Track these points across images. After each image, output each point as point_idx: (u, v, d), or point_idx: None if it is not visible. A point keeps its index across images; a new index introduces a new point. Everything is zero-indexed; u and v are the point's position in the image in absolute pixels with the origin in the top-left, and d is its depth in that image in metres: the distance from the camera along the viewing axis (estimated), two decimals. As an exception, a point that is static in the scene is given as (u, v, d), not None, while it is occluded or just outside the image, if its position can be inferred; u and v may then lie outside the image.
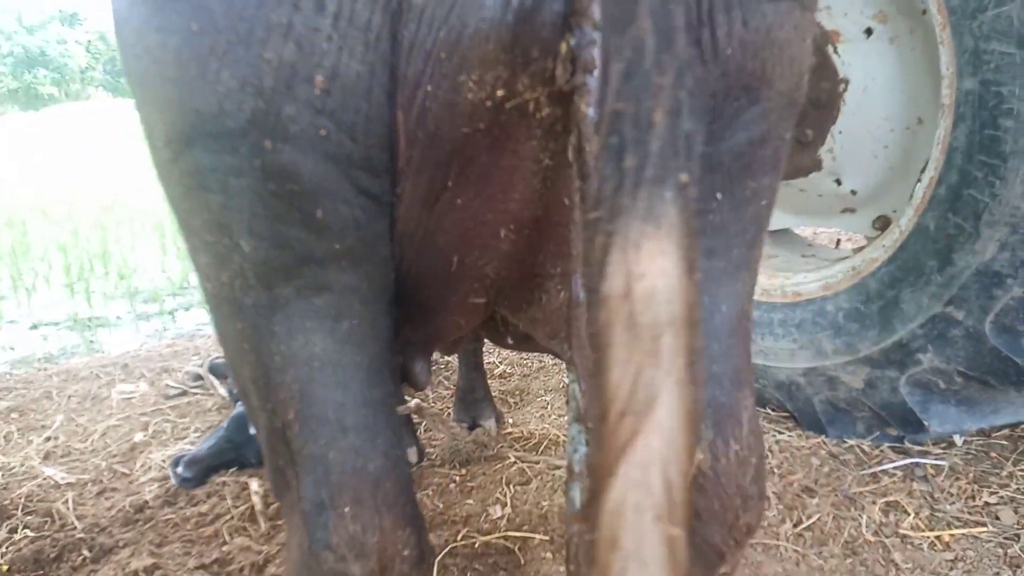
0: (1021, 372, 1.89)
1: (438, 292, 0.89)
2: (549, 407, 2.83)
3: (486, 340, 1.38)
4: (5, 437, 2.68)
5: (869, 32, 2.23)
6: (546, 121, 0.69)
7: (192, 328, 5.09)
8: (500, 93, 0.66)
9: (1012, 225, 1.75)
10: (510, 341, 1.06)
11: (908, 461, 2.18)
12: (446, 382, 3.17)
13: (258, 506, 2.09)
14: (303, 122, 0.66)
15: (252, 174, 0.69)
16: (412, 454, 2.34)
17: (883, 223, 2.42)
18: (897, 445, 2.28)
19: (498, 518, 2.02)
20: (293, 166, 0.69)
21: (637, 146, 0.57)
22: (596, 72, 0.60)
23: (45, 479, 2.33)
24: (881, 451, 2.27)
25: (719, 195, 0.76)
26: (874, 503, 2.01)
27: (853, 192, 2.45)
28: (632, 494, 0.54)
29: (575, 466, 0.76)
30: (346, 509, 0.77)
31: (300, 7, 0.62)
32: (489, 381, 2.79)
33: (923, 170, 2.18)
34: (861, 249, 2.33)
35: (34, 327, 5.15)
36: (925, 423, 2.14)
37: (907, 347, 2.06)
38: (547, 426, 2.60)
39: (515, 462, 2.33)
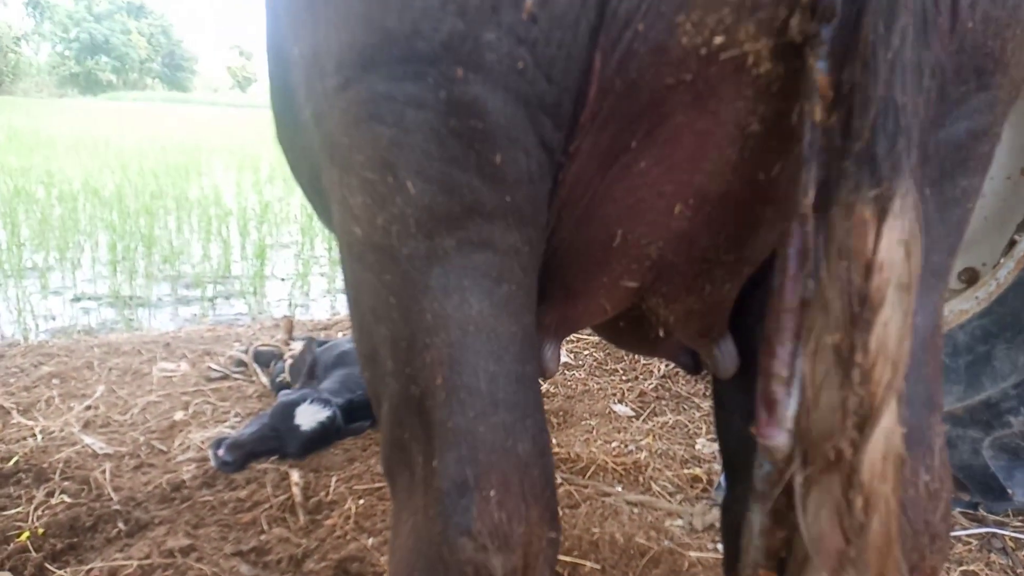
0: (1125, 446, 1.75)
1: (589, 270, 0.81)
2: (594, 432, 2.73)
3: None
4: (47, 402, 2.65)
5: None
6: (762, 80, 0.62)
7: (231, 316, 5.09)
8: (718, 40, 0.60)
9: None
10: (649, 344, 0.98)
11: (985, 530, 2.05)
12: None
13: (298, 498, 2.02)
14: (501, 51, 0.60)
15: (434, 107, 0.63)
16: None
17: (970, 275, 2.31)
18: (970, 512, 2.14)
19: (546, 539, 1.92)
20: (481, 101, 0.62)
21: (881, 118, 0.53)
22: (835, 22, 0.54)
23: (84, 447, 2.28)
24: (953, 516, 2.14)
25: (927, 191, 0.68)
26: (948, 572, 1.88)
27: (941, 240, 2.34)
28: (891, 421, 0.55)
29: (759, 485, 0.68)
30: (492, 492, 0.69)
31: None
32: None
33: (1023, 224, 2.07)
34: (946, 301, 2.22)
35: (76, 299, 5.19)
36: (1009, 491, 2.00)
37: (996, 407, 1.93)
38: (593, 450, 2.50)
39: (562, 483, 2.23)
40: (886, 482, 0.55)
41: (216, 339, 3.76)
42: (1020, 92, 0.70)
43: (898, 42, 0.53)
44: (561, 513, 2.04)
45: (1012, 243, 2.21)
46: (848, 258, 0.56)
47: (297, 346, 3.09)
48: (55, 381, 2.88)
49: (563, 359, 3.53)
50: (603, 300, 0.85)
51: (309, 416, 2.26)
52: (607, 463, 2.40)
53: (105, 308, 5.03)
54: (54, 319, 4.57)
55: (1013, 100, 0.70)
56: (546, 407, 3.01)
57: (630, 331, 0.99)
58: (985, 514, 2.10)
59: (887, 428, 0.55)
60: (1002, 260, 2.00)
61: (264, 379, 2.95)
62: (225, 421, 2.58)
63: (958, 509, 2.15)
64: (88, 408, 2.61)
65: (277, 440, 2.23)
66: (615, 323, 0.96)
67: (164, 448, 2.35)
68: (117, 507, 1.93)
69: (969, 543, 2.01)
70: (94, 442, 2.32)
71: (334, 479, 2.15)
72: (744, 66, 0.61)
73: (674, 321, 0.87)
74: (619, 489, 2.24)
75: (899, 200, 0.54)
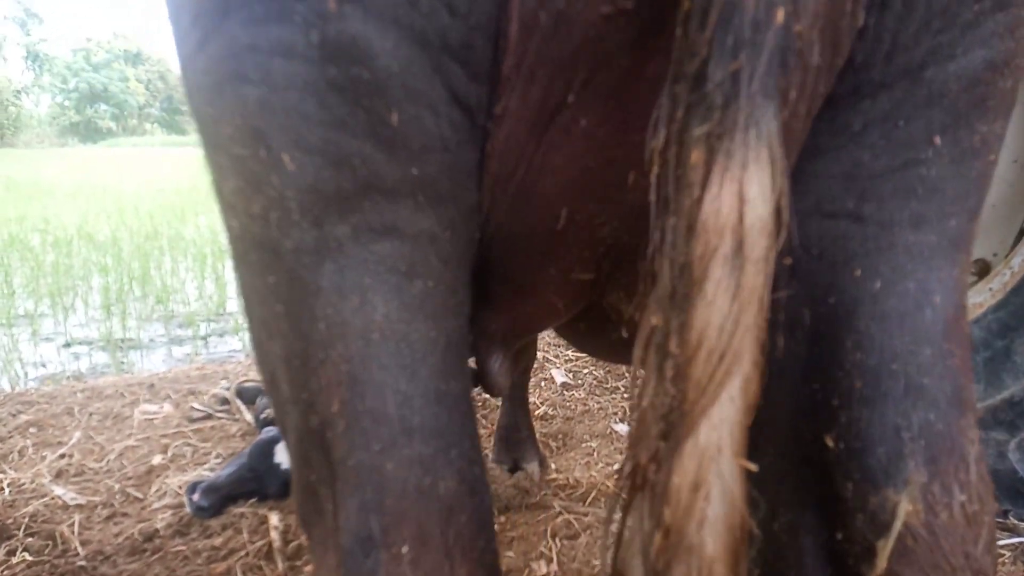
0: None
1: (534, 260, 0.67)
2: (595, 454, 2.59)
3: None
4: (19, 452, 2.53)
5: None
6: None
7: (224, 354, 4.97)
8: None
9: None
10: (613, 349, 0.84)
11: (1018, 540, 1.89)
12: (483, 420, 2.95)
13: (276, 543, 1.89)
14: None
15: (306, 53, 0.50)
16: (534, 469, 2.10)
17: (981, 267, 2.18)
18: (1001, 520, 1.99)
19: (543, 575, 1.78)
20: (365, 42, 0.50)
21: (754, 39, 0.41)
22: None
23: (53, 499, 2.16)
24: (979, 526, 1.99)
25: (938, 139, 0.55)
26: (981, 586, 1.73)
27: (947, 232, 2.22)
28: (716, 436, 0.43)
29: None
30: (404, 548, 0.54)
31: None
32: (531, 422, 2.57)
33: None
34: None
35: (67, 345, 5.09)
36: (1038, 496, 1.86)
37: (1020, 405, 1.79)
38: (594, 475, 2.36)
39: (560, 512, 2.09)
40: (695, 521, 0.42)
41: (203, 378, 3.64)
42: None
43: None
44: (558, 544, 1.91)
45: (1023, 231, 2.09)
46: (676, 215, 0.44)
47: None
48: (32, 430, 2.76)
49: (562, 379, 3.40)
50: (554, 298, 0.72)
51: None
52: (608, 487, 2.26)
53: (97, 352, 4.93)
54: (44, 366, 4.47)
55: None
56: (545, 430, 2.87)
57: (594, 335, 0.85)
58: (1016, 522, 1.95)
59: (704, 448, 0.42)
60: (1016, 248, 1.87)
61: (248, 416, 2.83)
62: (205, 463, 2.45)
63: (987, 518, 2.00)
64: (62, 456, 2.48)
65: (256, 481, 2.10)
66: (575, 326, 0.83)
67: (140, 495, 2.22)
68: (83, 563, 1.80)
69: (1002, 554, 1.85)
70: (65, 493, 2.20)
71: (316, 520, 2.02)
72: None
73: (639, 319, 0.75)
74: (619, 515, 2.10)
75: (737, 138, 0.41)
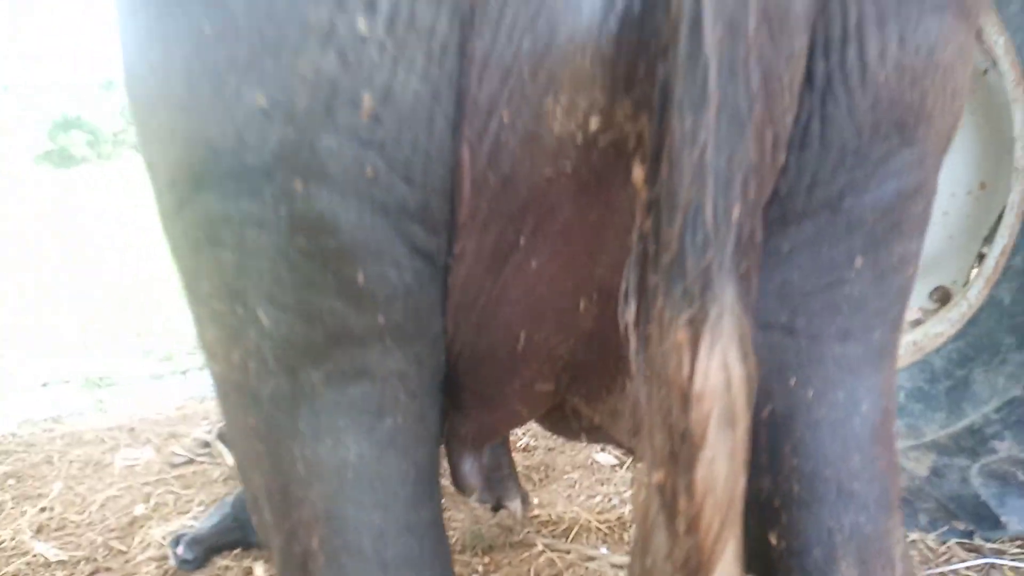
0: (1116, 465, 1.68)
1: (498, 377, 0.73)
2: (577, 486, 2.62)
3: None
4: (-1, 506, 2.52)
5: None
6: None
7: (204, 389, 4.96)
8: (594, 124, 0.53)
9: (1103, 301, 1.58)
10: (582, 435, 0.90)
11: (982, 561, 1.95)
12: (467, 455, 2.97)
13: (261, 595, 1.90)
14: (345, 158, 0.52)
15: (277, 225, 0.55)
16: (516, 507, 2.13)
17: (941, 295, 2.26)
18: (966, 542, 2.05)
19: (527, 617, 1.81)
20: (330, 216, 0.54)
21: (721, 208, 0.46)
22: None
23: (35, 556, 2.15)
24: (948, 547, 2.04)
25: (858, 262, 0.61)
26: (950, 610, 1.78)
27: (908, 262, 2.29)
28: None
29: None
30: None
31: (345, 5, 0.49)
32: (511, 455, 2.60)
33: (988, 238, 2.03)
34: (920, 323, 2.16)
35: (44, 385, 5.05)
36: (1002, 519, 1.92)
37: (980, 433, 1.86)
38: (576, 509, 2.40)
39: (543, 550, 2.12)
40: None
41: (183, 419, 3.63)
42: (952, 142, 0.64)
43: (705, 138, 0.46)
44: (542, 585, 1.94)
45: (982, 256, 2.17)
46: (666, 386, 0.49)
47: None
48: (10, 482, 2.74)
49: (543, 408, 3.44)
50: (519, 406, 0.77)
51: (271, 502, 2.14)
52: (590, 522, 2.29)
53: (75, 391, 4.89)
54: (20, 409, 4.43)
55: (944, 151, 0.64)
56: (527, 462, 2.90)
57: (559, 426, 0.91)
58: (981, 543, 2.01)
59: None
60: (972, 279, 1.95)
61: (230, 460, 2.83)
62: (188, 512, 2.45)
63: (954, 540, 2.06)
64: (43, 511, 2.47)
65: (240, 530, 2.11)
66: (542, 420, 0.88)
67: (123, 548, 2.22)
68: (66, 623, 1.80)
69: (967, 575, 1.91)
70: (47, 549, 2.19)
71: (300, 569, 2.03)
72: (628, 150, 0.54)
73: (600, 421, 0.80)
74: (604, 551, 2.13)
75: (714, 322, 0.47)
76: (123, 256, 10.33)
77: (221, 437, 2.98)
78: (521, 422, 0.82)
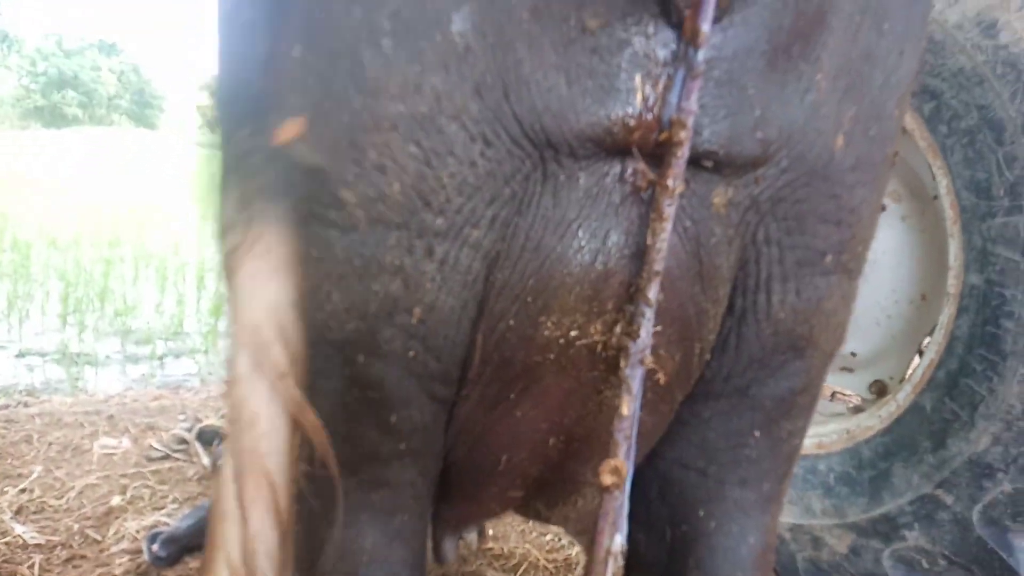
0: (1006, 566, 1.90)
1: (481, 483, 0.93)
2: (530, 523, 2.79)
3: None
4: (-20, 483, 2.63)
5: (883, 208, 2.35)
6: (610, 361, 0.75)
7: (180, 377, 5.05)
8: (574, 333, 0.73)
9: (1007, 422, 1.80)
10: (532, 515, 1.10)
11: (887, 636, 2.16)
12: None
13: (228, 598, 2.04)
14: (395, 344, 0.72)
15: (339, 380, 0.75)
16: (472, 538, 2.30)
17: (878, 387, 2.48)
18: (875, 615, 2.26)
19: (470, 645, 1.98)
20: (378, 379, 0.74)
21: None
22: (639, 339, 0.68)
23: (15, 537, 2.27)
24: (860, 620, 2.25)
25: (757, 433, 0.81)
26: None
27: (853, 354, 2.52)
28: None
29: None
30: None
31: (413, 252, 0.69)
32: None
33: (922, 347, 2.26)
34: (857, 412, 2.38)
35: (21, 355, 5.11)
36: (906, 600, 2.13)
37: (894, 521, 2.08)
38: (528, 545, 2.57)
39: (493, 582, 2.29)
40: None
41: (161, 410, 3.75)
42: (835, 355, 0.85)
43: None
44: (487, 616, 2.10)
45: (920, 352, 2.40)
46: None
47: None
48: (-9, 458, 2.85)
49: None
50: (494, 505, 0.97)
51: (246, 510, 2.29)
52: (539, 560, 2.47)
53: (51, 365, 4.96)
54: (-4, 377, 4.50)
55: (830, 360, 0.85)
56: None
57: (525, 513, 1.11)
58: (889, 620, 2.22)
59: None
60: (903, 383, 2.17)
61: (206, 460, 2.97)
62: (163, 508, 2.59)
63: (865, 613, 2.27)
64: (23, 491, 2.59)
65: (213, 533, 2.25)
66: (524, 509, 1.09)
67: (98, 537, 2.35)
68: (44, 606, 1.94)
69: (873, 650, 2.11)
70: (26, 531, 2.32)
71: None
72: (596, 349, 0.74)
73: (556, 521, 1.00)
74: (548, 588, 2.31)
75: None
76: (109, 229, 10.34)
77: (200, 436, 3.11)
78: (495, 514, 1.02)
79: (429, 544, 1.08)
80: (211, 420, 3.30)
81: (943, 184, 1.93)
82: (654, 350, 0.70)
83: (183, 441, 3.16)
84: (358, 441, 0.78)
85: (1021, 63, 1.70)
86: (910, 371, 2.26)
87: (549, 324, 0.72)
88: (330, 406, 0.76)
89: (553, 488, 0.93)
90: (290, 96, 0.69)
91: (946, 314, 1.98)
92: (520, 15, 0.62)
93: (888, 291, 2.34)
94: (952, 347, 1.95)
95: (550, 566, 2.43)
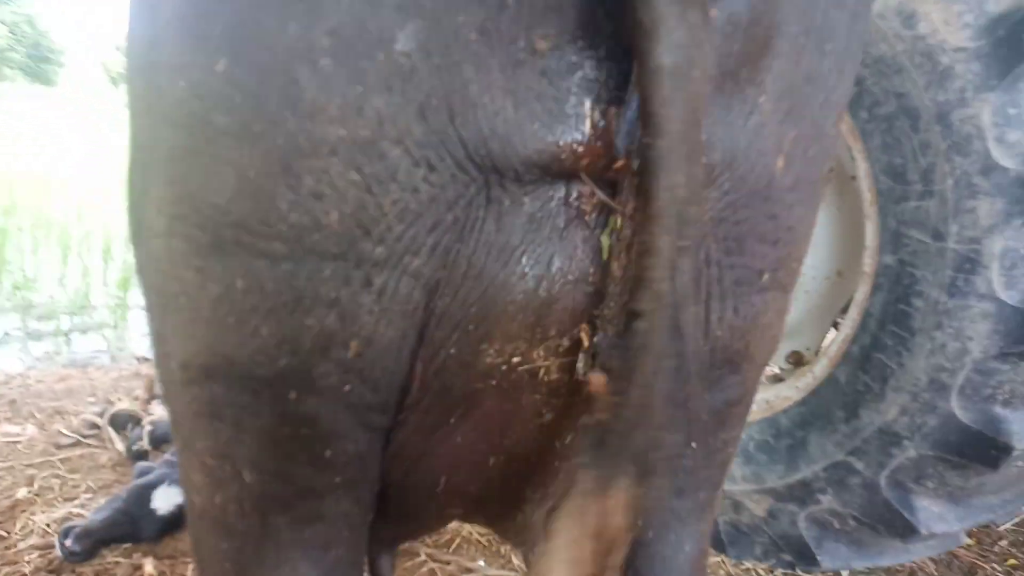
0: (907, 525, 2.04)
1: (419, 504, 0.91)
2: (463, 496, 2.81)
3: None
4: None
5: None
6: (553, 384, 0.74)
7: (88, 355, 4.80)
8: (516, 359, 0.71)
9: (914, 394, 1.91)
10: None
11: (800, 592, 2.30)
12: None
13: (151, 591, 1.97)
14: (331, 379, 0.68)
15: (270, 417, 0.71)
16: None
17: (796, 358, 2.60)
18: (790, 572, 2.40)
19: (405, 625, 1.98)
20: (312, 415, 0.70)
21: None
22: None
23: (-93, 537, 2.12)
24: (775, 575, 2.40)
25: (693, 444, 0.82)
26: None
27: (773, 327, 2.62)
28: None
29: None
30: None
31: (350, 283, 0.64)
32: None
33: (838, 322, 2.36)
34: (777, 382, 2.48)
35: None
36: (818, 558, 2.27)
37: (809, 486, 2.19)
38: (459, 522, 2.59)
39: (426, 560, 2.29)
40: None
41: (68, 392, 3.55)
42: (765, 368, 0.87)
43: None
44: (421, 595, 2.11)
45: (836, 325, 2.52)
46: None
47: (158, 408, 2.99)
48: None
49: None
50: (432, 522, 0.96)
51: (168, 500, 2.20)
52: (471, 535, 2.48)
53: (-57, 345, 4.62)
54: None
55: (761, 372, 0.87)
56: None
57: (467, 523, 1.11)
58: (801, 575, 2.37)
59: None
60: (820, 354, 2.27)
61: (120, 446, 2.83)
62: (75, 499, 2.46)
63: (780, 571, 2.41)
64: (-85, 487, 2.42)
65: (131, 525, 2.17)
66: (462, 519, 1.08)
67: (4, 533, 2.22)
68: (-55, 611, 1.82)
69: (788, 606, 2.25)
70: (-79, 530, 2.16)
71: (191, 567, 2.11)
72: (537, 374, 0.73)
73: (498, 532, 1.00)
74: (481, 563, 2.33)
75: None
76: (4, 195, 9.60)
77: (113, 420, 2.96)
78: (432, 531, 1.01)
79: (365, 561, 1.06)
80: (124, 402, 3.15)
81: (862, 167, 2.00)
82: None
83: (94, 426, 3.00)
84: (289, 478, 0.74)
85: (936, 54, 1.77)
86: (826, 344, 2.36)
87: (491, 351, 0.70)
88: (258, 444, 0.72)
89: (493, 505, 0.93)
90: (213, 114, 0.63)
91: (861, 291, 2.07)
92: (468, 35, 0.58)
93: (807, 267, 2.42)
94: (866, 323, 2.05)
95: (482, 540, 2.45)
